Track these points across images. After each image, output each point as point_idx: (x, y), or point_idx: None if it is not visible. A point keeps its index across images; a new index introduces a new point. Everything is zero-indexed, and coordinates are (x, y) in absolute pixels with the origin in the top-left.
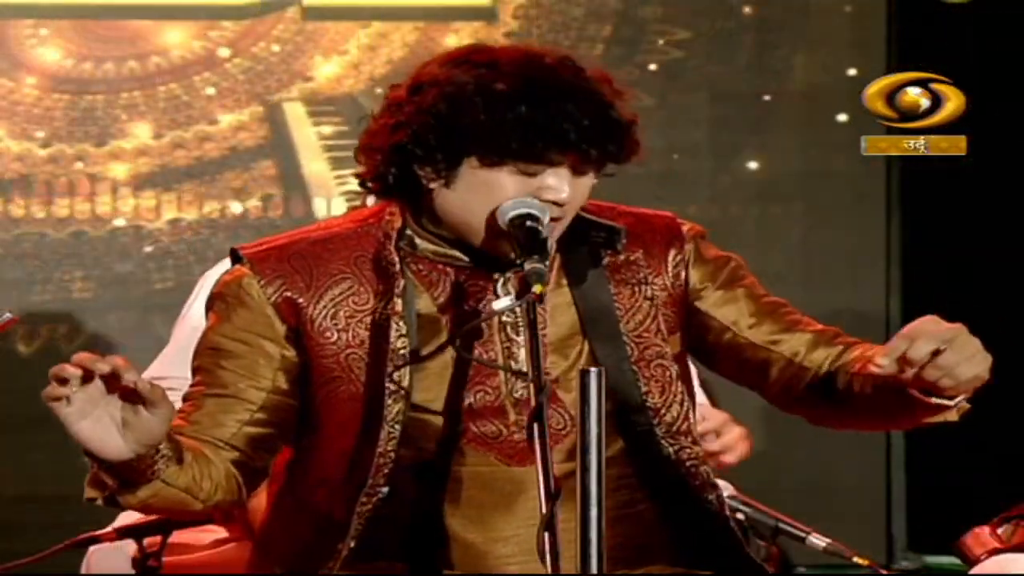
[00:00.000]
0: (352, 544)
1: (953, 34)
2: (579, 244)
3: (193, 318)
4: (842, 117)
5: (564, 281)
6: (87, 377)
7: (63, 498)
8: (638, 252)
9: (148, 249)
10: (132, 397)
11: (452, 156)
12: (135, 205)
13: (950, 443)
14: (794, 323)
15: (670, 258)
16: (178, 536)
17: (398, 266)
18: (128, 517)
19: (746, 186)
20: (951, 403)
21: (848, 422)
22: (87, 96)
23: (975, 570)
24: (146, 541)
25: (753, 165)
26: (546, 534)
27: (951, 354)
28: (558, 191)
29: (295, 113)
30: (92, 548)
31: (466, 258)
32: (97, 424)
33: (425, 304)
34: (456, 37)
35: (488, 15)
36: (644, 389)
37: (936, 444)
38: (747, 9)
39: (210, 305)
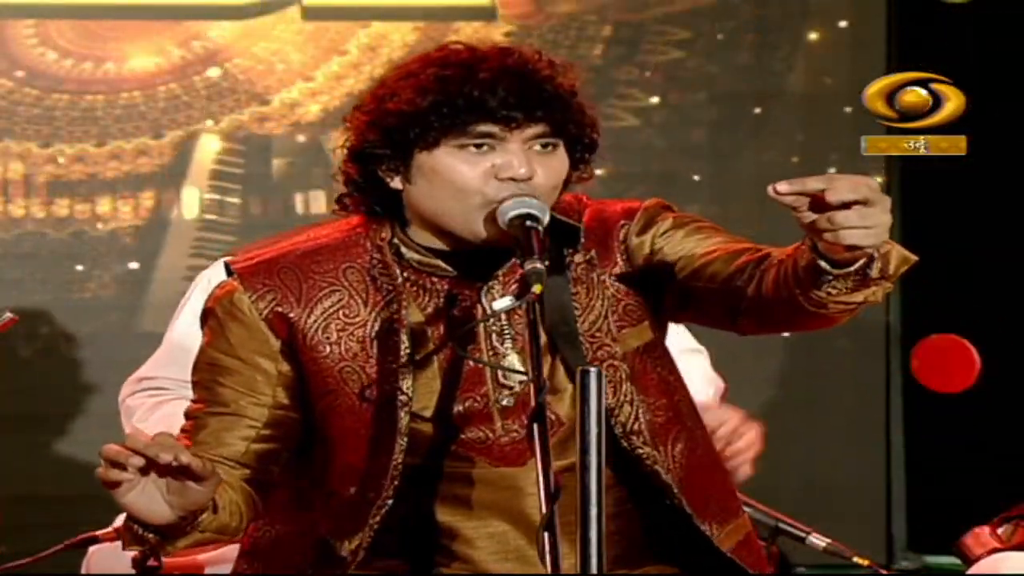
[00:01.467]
0: (360, 555)
1: (953, 34)
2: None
3: (185, 318)
4: (842, 117)
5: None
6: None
7: (63, 498)
8: (592, 251)
9: (148, 249)
10: (181, 472)
11: (396, 149)
12: (135, 205)
13: (950, 443)
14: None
15: (617, 243)
16: None
17: (400, 276)
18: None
19: (746, 186)
20: (830, 270)
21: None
22: (87, 96)
23: (972, 570)
24: None
25: (753, 165)
26: (546, 534)
27: (853, 215)
28: (511, 166)
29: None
30: (92, 548)
31: (450, 268)
32: (143, 494)
33: (414, 314)
34: (456, 37)
35: (488, 15)
36: None
37: (936, 444)
38: (747, 9)
39: (204, 320)
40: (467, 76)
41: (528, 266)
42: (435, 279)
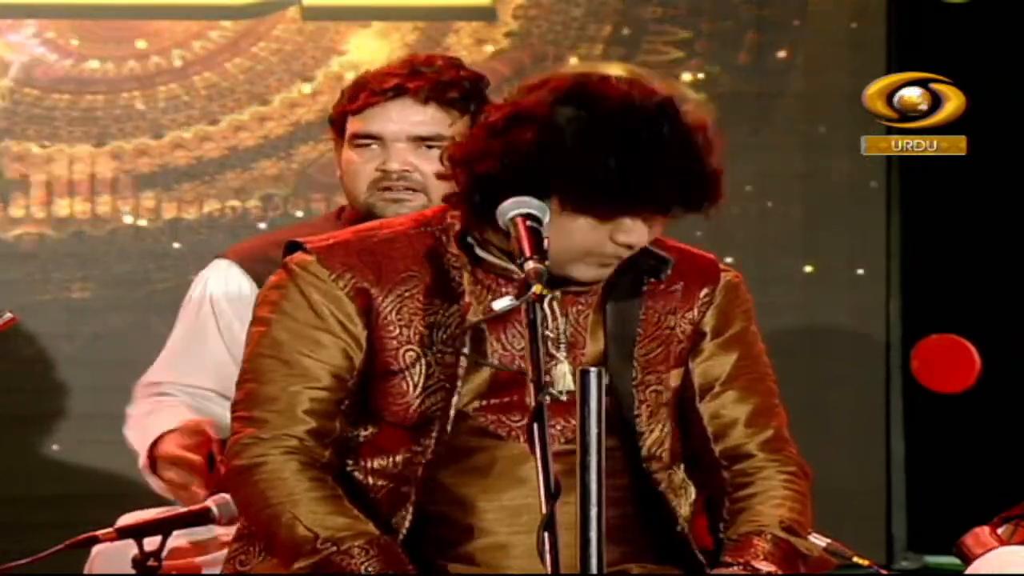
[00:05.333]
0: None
1: (953, 34)
2: (626, 268)
3: (187, 320)
4: (842, 117)
5: (604, 301)
6: None
7: (63, 498)
8: (678, 285)
9: (148, 249)
10: None
11: (536, 195)
12: (135, 205)
13: (950, 443)
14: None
15: (701, 295)
16: (179, 539)
17: (464, 272)
18: (129, 517)
19: (746, 186)
20: None
21: None
22: (87, 96)
23: (974, 565)
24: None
25: (753, 165)
26: (546, 534)
27: None
28: (636, 237)
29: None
30: (96, 548)
31: (520, 271)
32: None
33: (476, 311)
34: (456, 37)
35: (488, 15)
36: (636, 412)
37: (936, 444)
38: (747, 9)
39: (272, 294)
40: (652, 166)
41: (528, 266)
42: (502, 280)
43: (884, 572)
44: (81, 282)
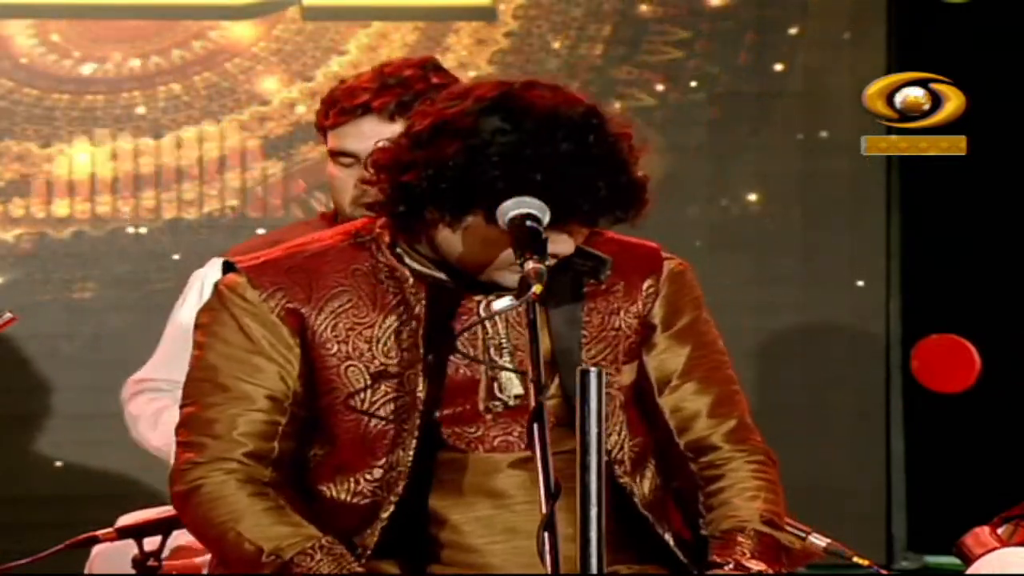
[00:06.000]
0: (368, 553)
1: (953, 34)
2: (563, 270)
3: (181, 319)
4: (842, 117)
5: (545, 304)
6: None
7: (63, 498)
8: (619, 283)
9: (148, 249)
10: None
11: (461, 207)
12: (135, 205)
13: (950, 443)
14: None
15: (644, 287)
16: (181, 539)
17: (411, 280)
18: (129, 517)
19: (746, 186)
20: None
21: None
22: (87, 96)
23: (974, 565)
24: (146, 541)
25: (753, 165)
26: (546, 534)
27: None
28: (563, 248)
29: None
30: (96, 548)
31: (450, 281)
32: None
33: (418, 318)
34: (456, 37)
35: (488, 15)
36: None
37: (936, 445)
38: (747, 9)
39: (206, 318)
40: (577, 183)
41: (528, 266)
42: (434, 288)
43: (884, 572)
44: (81, 282)
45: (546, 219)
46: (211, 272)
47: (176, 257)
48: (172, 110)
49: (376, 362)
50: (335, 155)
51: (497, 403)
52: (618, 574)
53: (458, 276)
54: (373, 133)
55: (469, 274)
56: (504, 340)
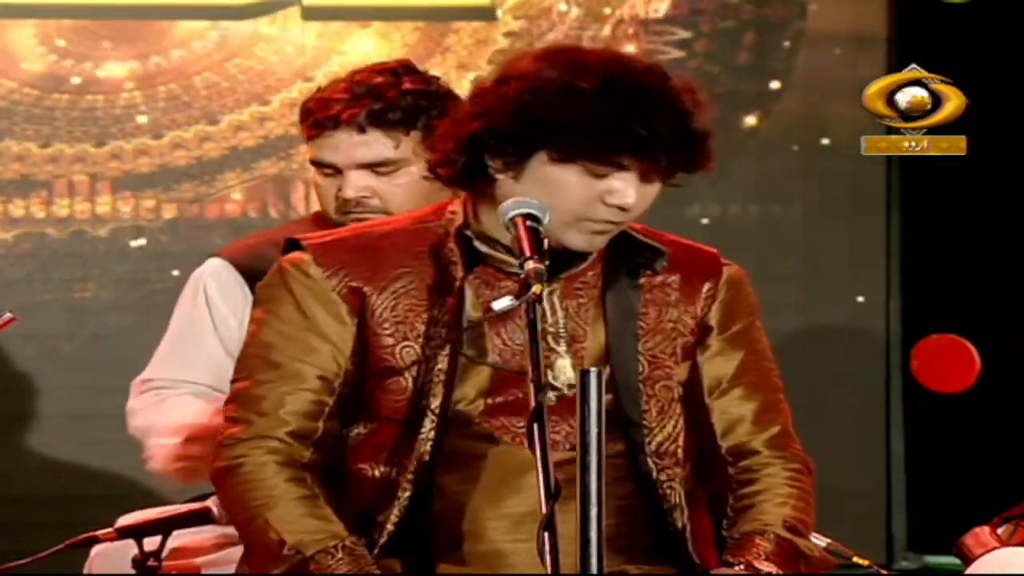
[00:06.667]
0: (392, 531)
1: (953, 34)
2: (621, 261)
3: (182, 319)
4: (842, 117)
5: (603, 295)
6: None
7: (63, 498)
8: (675, 276)
9: (148, 249)
10: None
11: (524, 148)
12: (135, 205)
13: (950, 443)
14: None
15: (704, 290)
16: (179, 539)
17: (460, 267)
18: (129, 517)
19: (746, 186)
20: None
21: None
22: (87, 96)
23: (974, 565)
24: (146, 541)
25: (752, 165)
26: (546, 534)
27: None
28: (624, 195)
29: None
30: (96, 548)
31: (517, 264)
32: None
33: (475, 306)
34: (456, 37)
35: (488, 15)
36: (644, 408)
37: (936, 444)
38: (747, 9)
39: (266, 293)
40: (637, 110)
41: (528, 266)
42: (500, 274)
43: (884, 572)
44: (81, 282)
45: (546, 219)
46: (207, 271)
47: (176, 257)
48: (172, 110)
49: (431, 345)
50: (314, 164)
51: (550, 393)
52: (627, 574)
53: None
54: (346, 145)
55: None
56: (562, 329)
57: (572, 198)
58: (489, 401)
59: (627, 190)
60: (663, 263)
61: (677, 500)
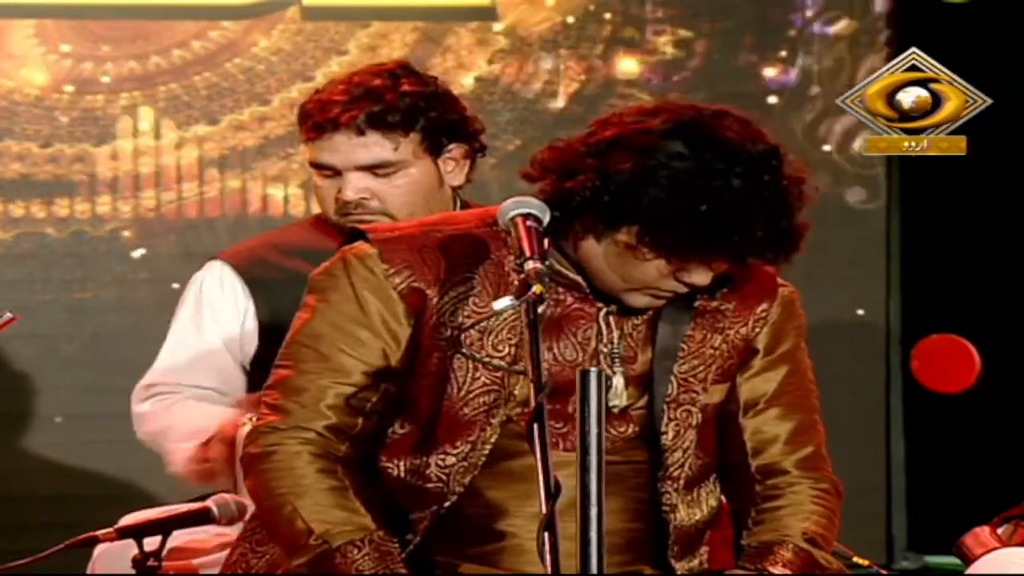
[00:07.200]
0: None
1: (953, 34)
2: None
3: (183, 323)
4: (842, 117)
5: (658, 318)
6: None
7: (63, 498)
8: (731, 303)
9: (148, 249)
10: None
11: (617, 221)
12: (135, 205)
13: (950, 443)
14: (780, 440)
15: (758, 310)
16: (180, 539)
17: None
18: (130, 517)
19: None
20: None
21: None
22: (87, 96)
23: (974, 565)
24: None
25: None
26: (546, 534)
27: None
28: (701, 281)
29: None
30: (99, 548)
31: (586, 286)
32: None
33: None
34: (456, 37)
35: (488, 15)
36: (663, 429)
37: (936, 444)
38: (747, 9)
39: (324, 282)
40: (739, 224)
41: (528, 266)
42: (563, 291)
43: (884, 572)
44: (81, 282)
45: (546, 219)
46: (207, 274)
47: (176, 257)
48: (172, 110)
49: (483, 352)
50: (313, 165)
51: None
52: (641, 573)
53: (589, 281)
54: (346, 147)
55: (598, 285)
56: (616, 348)
57: (647, 276)
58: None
59: (706, 276)
60: (723, 290)
61: (671, 523)
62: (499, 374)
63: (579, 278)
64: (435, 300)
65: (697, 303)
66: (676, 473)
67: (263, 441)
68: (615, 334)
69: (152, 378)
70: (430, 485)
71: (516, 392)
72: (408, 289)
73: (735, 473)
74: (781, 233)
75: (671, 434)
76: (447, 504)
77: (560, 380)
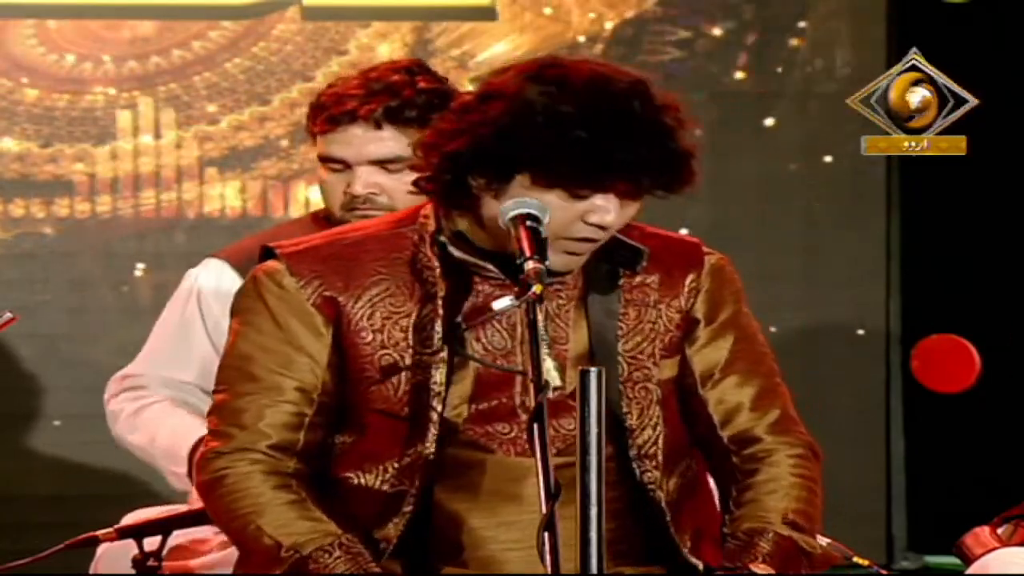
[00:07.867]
0: (392, 545)
1: (953, 34)
2: (600, 261)
3: (171, 316)
4: (842, 117)
5: (585, 295)
6: None
7: (63, 498)
8: (655, 275)
9: (148, 249)
10: None
11: (506, 171)
12: (134, 205)
13: (950, 444)
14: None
15: (687, 282)
16: (180, 539)
17: (438, 271)
18: (131, 517)
19: (746, 186)
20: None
21: None
22: (87, 96)
23: (974, 565)
24: (146, 541)
25: (753, 165)
26: (546, 534)
27: None
28: (604, 214)
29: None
30: (102, 547)
31: (496, 270)
32: None
33: (453, 311)
34: (456, 37)
35: (488, 15)
36: (625, 410)
37: (936, 445)
38: (747, 9)
39: (241, 304)
40: (618, 134)
41: (528, 266)
42: (477, 279)
43: (884, 572)
44: (81, 282)
45: (546, 219)
46: (203, 271)
47: (176, 257)
48: (172, 110)
49: (410, 352)
50: (324, 160)
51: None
52: (622, 574)
53: (506, 265)
54: (360, 140)
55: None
56: (543, 332)
57: (553, 219)
58: (473, 407)
59: (608, 209)
60: (643, 263)
61: (660, 503)
62: (427, 373)
63: (488, 264)
64: (349, 306)
65: (621, 280)
66: (652, 451)
67: (211, 467)
68: (539, 316)
69: (129, 369)
70: (393, 489)
71: (453, 390)
72: (320, 299)
73: (710, 449)
74: (668, 154)
75: (635, 414)
76: (407, 509)
77: (493, 373)
